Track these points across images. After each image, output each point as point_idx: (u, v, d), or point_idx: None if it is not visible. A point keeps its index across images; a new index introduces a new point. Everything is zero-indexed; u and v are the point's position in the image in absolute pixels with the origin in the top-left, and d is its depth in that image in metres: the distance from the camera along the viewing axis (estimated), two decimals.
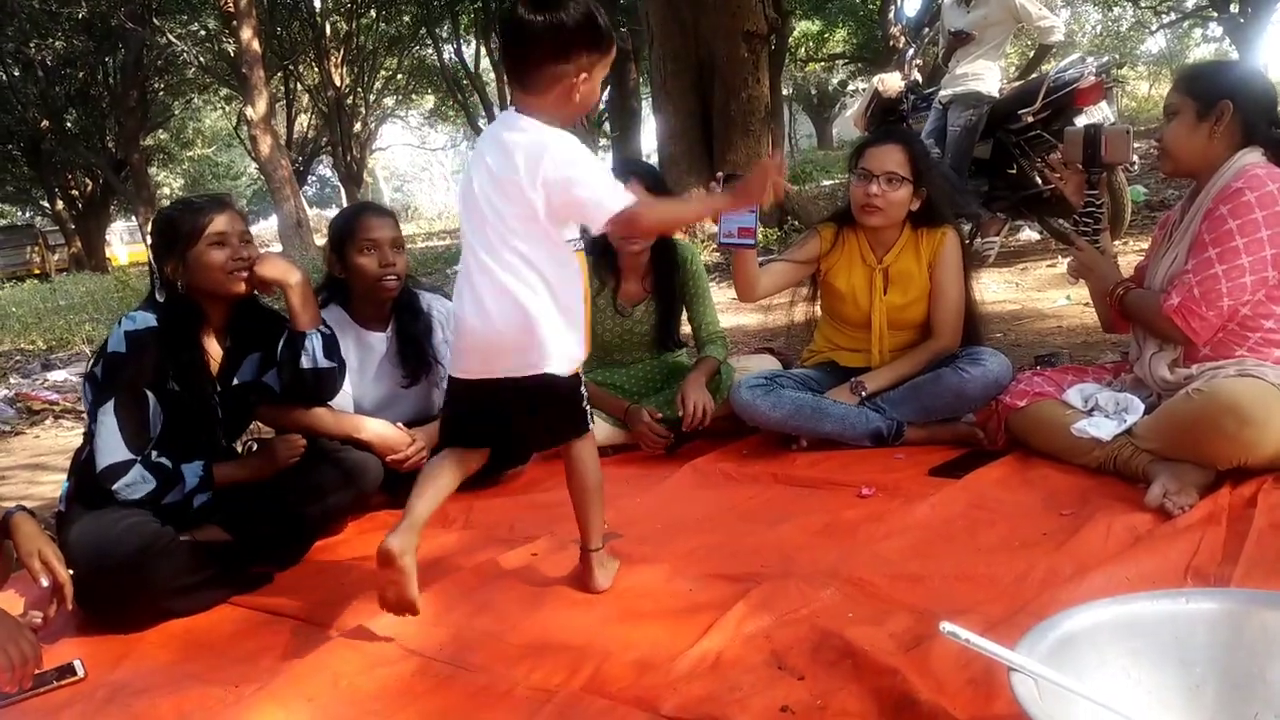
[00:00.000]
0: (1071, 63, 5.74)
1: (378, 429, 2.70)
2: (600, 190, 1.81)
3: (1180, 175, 2.47)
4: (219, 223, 2.34)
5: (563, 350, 1.90)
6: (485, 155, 1.88)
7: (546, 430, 2.06)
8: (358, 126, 25.15)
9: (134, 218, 27.97)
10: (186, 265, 2.34)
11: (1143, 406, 2.39)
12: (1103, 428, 2.39)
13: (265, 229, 31.07)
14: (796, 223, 8.29)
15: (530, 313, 1.85)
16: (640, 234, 1.83)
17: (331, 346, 2.46)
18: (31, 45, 23.30)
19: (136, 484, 2.26)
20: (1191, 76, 2.45)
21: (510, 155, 1.83)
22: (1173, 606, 1.30)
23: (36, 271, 27.45)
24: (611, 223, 1.82)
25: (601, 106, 26.97)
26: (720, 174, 2.70)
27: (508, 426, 2.00)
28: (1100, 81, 5.50)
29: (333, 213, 7.26)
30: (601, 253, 3.27)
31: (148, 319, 2.33)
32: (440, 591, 2.12)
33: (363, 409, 2.83)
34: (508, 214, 1.84)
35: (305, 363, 2.40)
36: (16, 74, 24.79)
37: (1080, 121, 5.47)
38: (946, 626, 1.17)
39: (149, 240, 2.50)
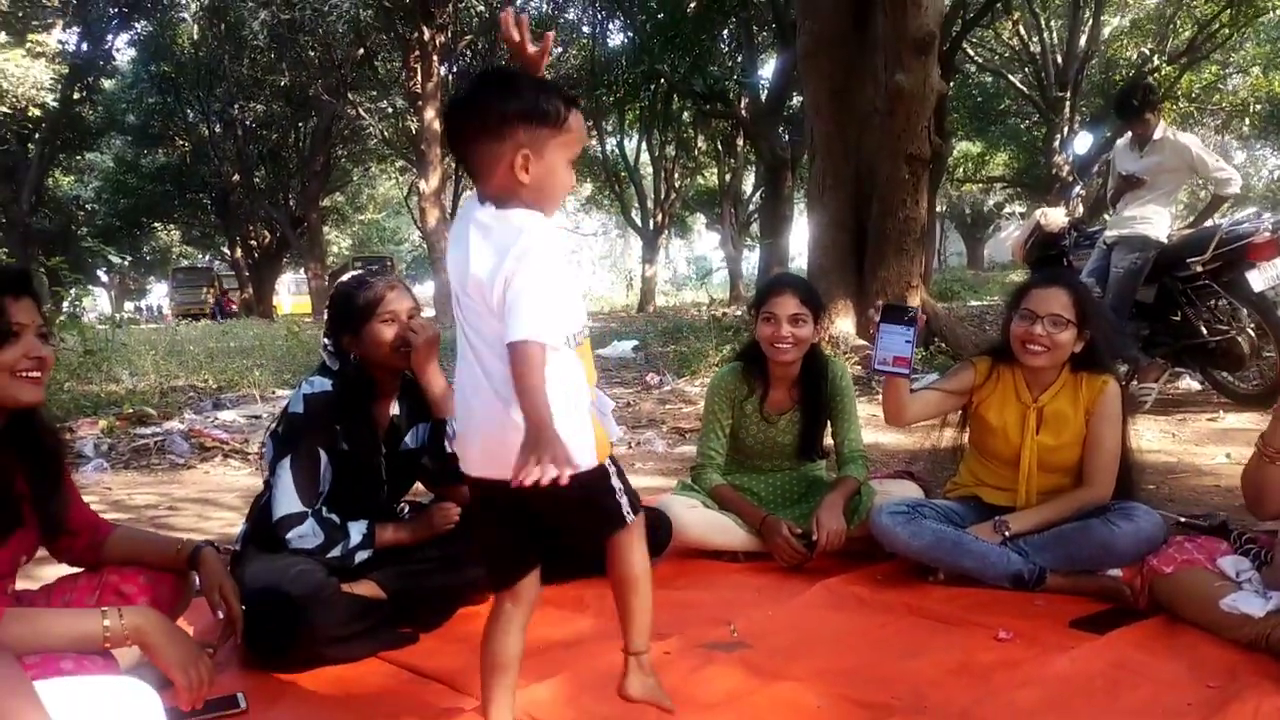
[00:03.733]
0: (1247, 216, 5.60)
1: None
2: (526, 311, 1.61)
3: None
4: (391, 302, 2.57)
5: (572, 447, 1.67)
6: (459, 242, 1.74)
7: (582, 532, 1.90)
8: None
9: (303, 271, 29.85)
10: (359, 339, 2.56)
11: None
12: (1253, 604, 2.31)
13: (421, 293, 32.55)
14: (943, 344, 8.21)
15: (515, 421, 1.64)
16: (514, 376, 1.61)
17: None
18: (235, 106, 25.48)
19: (307, 536, 2.45)
20: None
21: (478, 243, 1.70)
22: None
23: (208, 312, 29.52)
24: (509, 346, 1.61)
25: (751, 208, 27.50)
26: (880, 303, 2.76)
27: (544, 533, 1.85)
28: (1276, 238, 5.33)
29: None
30: (752, 359, 3.37)
31: (324, 384, 2.55)
32: (573, 675, 2.20)
33: None
34: (480, 306, 1.71)
35: (450, 448, 2.55)
36: (218, 130, 27.06)
37: (1252, 276, 5.31)
38: None
39: (325, 312, 2.72)
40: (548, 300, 1.64)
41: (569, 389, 1.72)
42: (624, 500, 1.84)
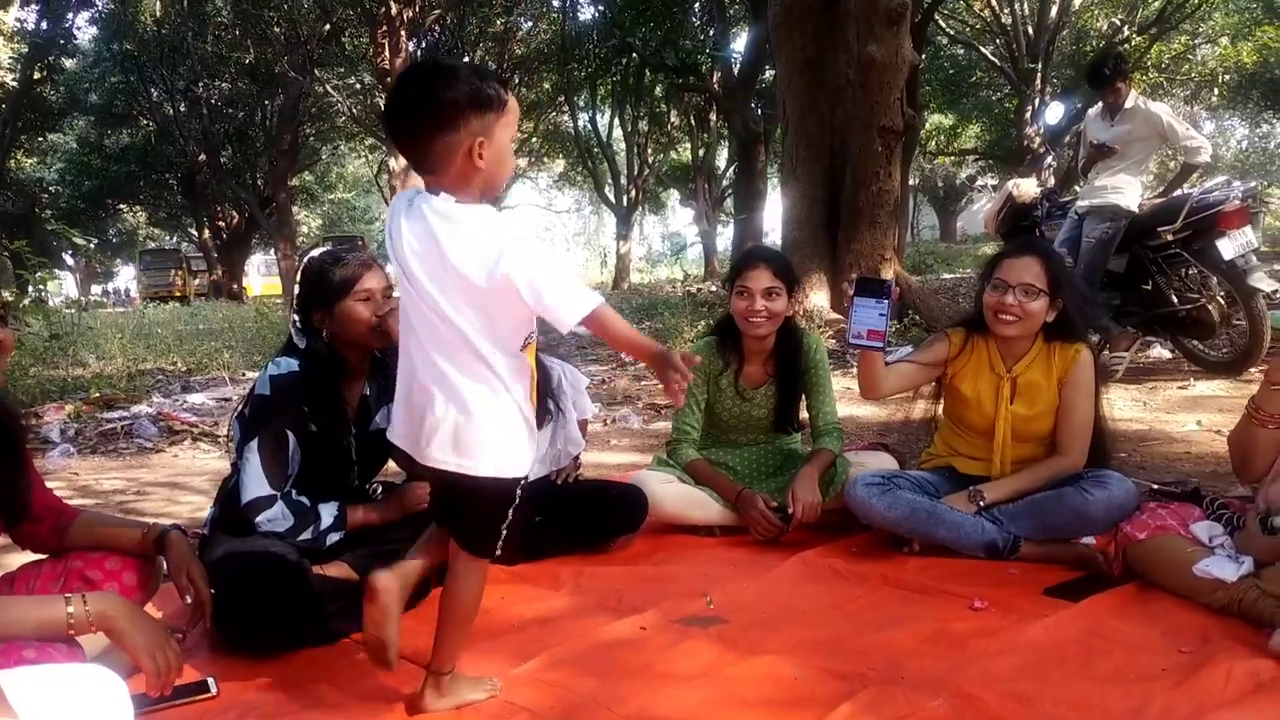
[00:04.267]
0: (1217, 185, 5.63)
1: None
2: (566, 293, 1.70)
3: None
4: (368, 280, 2.50)
5: (497, 452, 1.81)
6: (422, 235, 1.75)
7: (463, 533, 1.93)
8: None
9: (273, 252, 29.53)
10: (333, 316, 2.50)
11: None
12: (1226, 568, 2.33)
13: (392, 273, 32.32)
14: (917, 316, 8.24)
15: (460, 410, 1.78)
16: (603, 336, 1.78)
17: None
18: (200, 85, 25.04)
19: (277, 519, 2.41)
20: None
21: (449, 236, 1.72)
22: None
23: (177, 294, 29.19)
24: (583, 323, 1.72)
25: (725, 183, 27.46)
26: (854, 276, 2.74)
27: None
28: (1245, 206, 5.37)
29: None
30: (726, 334, 3.35)
31: (291, 364, 2.49)
32: (549, 654, 2.19)
33: None
34: (446, 306, 1.74)
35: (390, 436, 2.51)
36: (183, 109, 26.59)
37: (1222, 244, 5.34)
38: None
39: (296, 287, 2.60)
40: (564, 273, 1.72)
41: (522, 388, 1.82)
42: (500, 540, 1.89)
